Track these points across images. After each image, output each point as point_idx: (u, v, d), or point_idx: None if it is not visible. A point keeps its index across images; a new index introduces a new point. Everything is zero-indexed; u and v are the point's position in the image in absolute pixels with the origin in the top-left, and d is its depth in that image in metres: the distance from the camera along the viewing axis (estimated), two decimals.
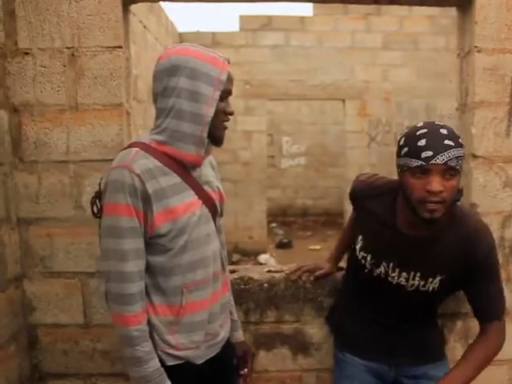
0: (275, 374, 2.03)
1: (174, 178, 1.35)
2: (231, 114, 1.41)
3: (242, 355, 1.65)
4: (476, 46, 1.88)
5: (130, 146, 1.36)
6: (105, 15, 1.78)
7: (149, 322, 1.36)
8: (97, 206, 1.38)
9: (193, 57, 1.32)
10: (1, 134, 1.77)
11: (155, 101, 1.37)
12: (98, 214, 1.37)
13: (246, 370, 1.65)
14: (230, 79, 1.37)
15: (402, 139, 1.41)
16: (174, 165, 1.35)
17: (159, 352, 1.37)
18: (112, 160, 1.79)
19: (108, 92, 1.81)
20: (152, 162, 1.32)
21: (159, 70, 1.34)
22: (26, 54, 1.79)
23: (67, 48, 1.79)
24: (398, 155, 1.42)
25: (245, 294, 1.94)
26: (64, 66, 1.80)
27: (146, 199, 1.29)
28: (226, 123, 1.42)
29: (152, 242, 1.34)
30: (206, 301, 1.42)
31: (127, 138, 1.87)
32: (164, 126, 1.34)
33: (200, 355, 1.43)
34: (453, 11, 2.09)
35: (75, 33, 1.78)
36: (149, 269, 1.36)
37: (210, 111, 1.33)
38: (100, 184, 1.39)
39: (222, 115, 1.38)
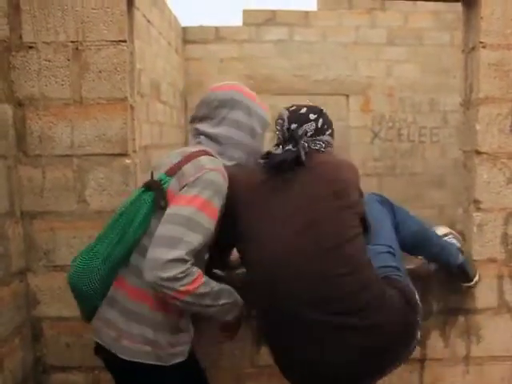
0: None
1: None
2: None
3: None
4: (481, 42, 1.88)
5: (207, 154, 1.45)
6: (109, 9, 1.78)
7: (159, 320, 1.39)
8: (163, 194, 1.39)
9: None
10: (5, 128, 1.77)
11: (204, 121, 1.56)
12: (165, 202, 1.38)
13: None
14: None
15: None
16: None
17: (162, 354, 1.39)
18: (115, 154, 1.82)
19: (112, 86, 1.81)
20: None
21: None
22: (31, 47, 1.79)
23: (71, 42, 1.79)
24: None
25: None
26: (68, 59, 1.80)
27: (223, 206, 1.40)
28: None
29: None
30: None
31: (131, 133, 1.87)
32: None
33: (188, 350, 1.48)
34: (458, 6, 2.08)
35: (79, 27, 1.78)
36: None
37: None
38: (152, 172, 1.43)
39: None
